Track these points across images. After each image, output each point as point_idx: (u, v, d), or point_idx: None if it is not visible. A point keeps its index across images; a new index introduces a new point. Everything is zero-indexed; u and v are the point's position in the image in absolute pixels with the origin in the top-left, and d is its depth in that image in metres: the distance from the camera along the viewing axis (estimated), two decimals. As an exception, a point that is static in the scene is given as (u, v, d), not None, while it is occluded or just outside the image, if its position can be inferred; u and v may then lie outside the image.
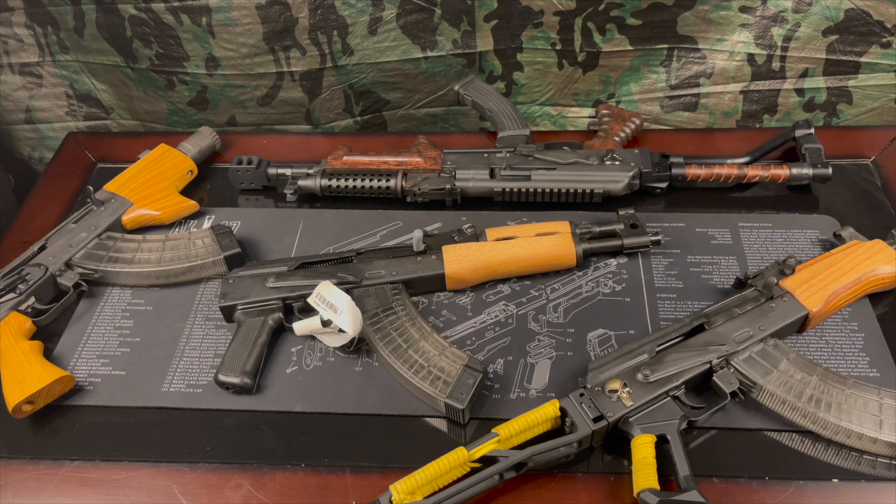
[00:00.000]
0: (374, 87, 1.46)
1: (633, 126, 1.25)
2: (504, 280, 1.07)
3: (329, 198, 1.21)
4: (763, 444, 0.87)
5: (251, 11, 1.31)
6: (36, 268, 1.06)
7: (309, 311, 1.00)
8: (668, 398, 0.86)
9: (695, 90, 1.43)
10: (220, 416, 0.94)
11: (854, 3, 1.26)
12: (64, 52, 1.46)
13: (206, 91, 1.45)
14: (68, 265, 1.08)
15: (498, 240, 1.05)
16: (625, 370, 0.87)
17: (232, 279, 1.03)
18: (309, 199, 1.22)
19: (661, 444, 0.83)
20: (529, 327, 1.01)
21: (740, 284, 1.00)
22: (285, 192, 1.19)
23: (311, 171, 1.19)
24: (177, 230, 1.18)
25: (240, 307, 1.00)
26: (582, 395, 0.85)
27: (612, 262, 1.08)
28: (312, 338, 1.01)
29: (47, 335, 1.04)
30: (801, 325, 0.94)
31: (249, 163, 1.21)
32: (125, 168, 1.21)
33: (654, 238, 1.06)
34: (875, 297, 1.00)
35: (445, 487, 0.80)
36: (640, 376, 0.86)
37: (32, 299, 1.04)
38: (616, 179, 1.14)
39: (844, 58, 1.33)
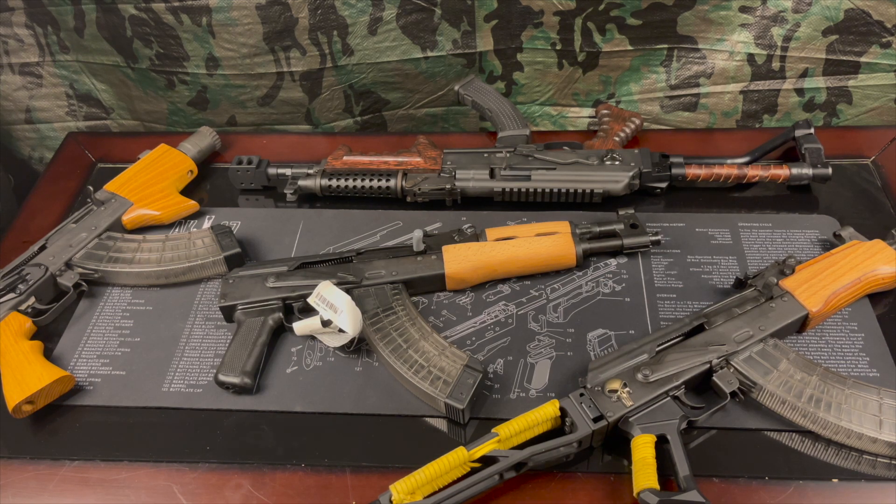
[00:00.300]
0: (374, 87, 1.46)
1: (633, 126, 1.25)
2: (504, 280, 1.07)
3: (329, 198, 1.21)
4: (763, 444, 0.87)
5: (251, 11, 1.31)
6: (36, 268, 1.06)
7: (309, 311, 1.00)
8: (668, 398, 0.86)
9: (695, 90, 1.43)
10: (220, 416, 0.94)
11: (854, 3, 1.26)
12: (64, 52, 1.46)
13: (206, 91, 1.45)
14: (68, 265, 1.08)
15: (498, 240, 1.05)
16: (625, 370, 0.87)
17: (232, 279, 1.03)
18: (309, 199, 1.22)
19: (661, 444, 0.83)
20: (529, 327, 1.01)
21: (740, 284, 1.00)
22: (285, 192, 1.19)
23: (311, 171, 1.19)
24: (177, 230, 1.18)
25: (240, 307, 1.00)
26: (582, 395, 0.85)
27: (612, 262, 1.08)
28: (312, 338, 1.01)
29: (47, 335, 1.04)
30: (801, 325, 0.94)
31: (249, 163, 1.21)
32: (125, 168, 1.21)
33: (654, 238, 1.06)
34: (875, 297, 1.00)
35: (445, 487, 0.80)
36: (640, 376, 0.86)
37: (32, 299, 1.04)
38: (616, 179, 1.14)
39: (844, 58, 1.33)
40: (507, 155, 1.17)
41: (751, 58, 1.36)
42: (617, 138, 1.23)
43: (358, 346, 0.99)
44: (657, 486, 0.78)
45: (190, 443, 0.91)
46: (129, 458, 0.90)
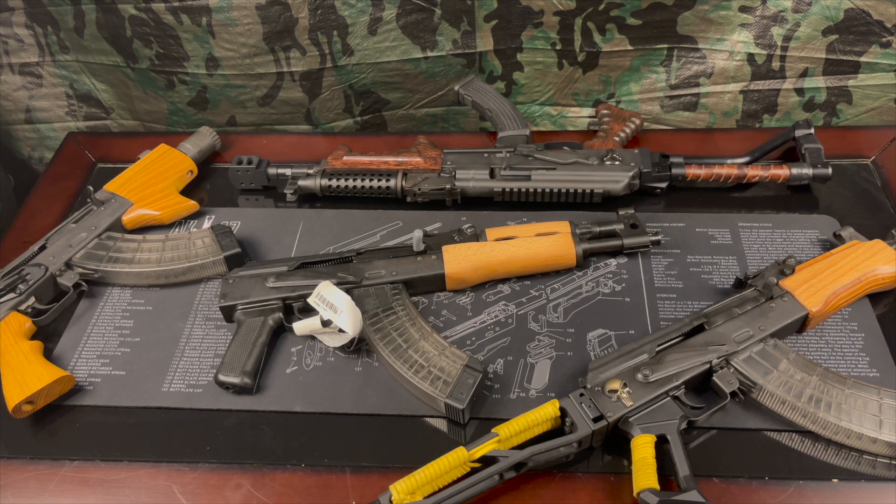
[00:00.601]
0: (374, 87, 1.46)
1: (633, 126, 1.25)
2: (504, 280, 1.07)
3: (329, 198, 1.21)
4: (763, 444, 0.87)
5: (251, 11, 1.31)
6: (36, 268, 1.06)
7: (309, 311, 1.00)
8: (668, 398, 0.86)
9: (695, 90, 1.43)
10: (220, 416, 0.94)
11: (854, 3, 1.26)
12: (64, 52, 1.46)
13: (206, 91, 1.45)
14: (68, 265, 1.08)
15: (498, 240, 1.05)
16: (625, 370, 0.87)
17: (232, 279, 1.03)
18: (309, 199, 1.22)
19: (661, 444, 0.83)
20: (529, 327, 1.01)
21: (740, 284, 1.00)
22: (285, 192, 1.19)
23: (311, 171, 1.19)
24: (177, 230, 1.18)
25: (240, 307, 1.00)
26: (582, 395, 0.85)
27: (612, 262, 1.08)
28: (312, 338, 1.01)
29: (47, 335, 1.04)
30: (801, 325, 0.94)
31: (249, 163, 1.21)
32: (125, 168, 1.21)
33: (654, 238, 1.06)
34: (875, 297, 1.00)
35: (445, 487, 0.80)
36: (640, 376, 0.86)
37: (32, 299, 1.04)
38: (616, 179, 1.14)
39: (844, 57, 1.33)
40: (507, 155, 1.17)
41: (751, 57, 1.36)
42: (617, 138, 1.23)
43: (358, 346, 0.99)
44: (657, 486, 0.78)
45: (190, 443, 0.91)
46: (129, 458, 0.90)
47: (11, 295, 1.03)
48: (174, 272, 1.08)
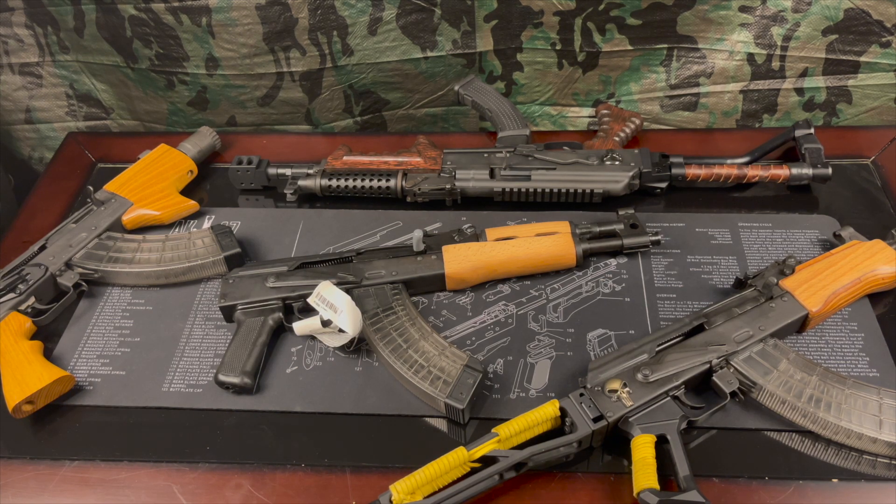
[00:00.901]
0: (374, 87, 1.46)
1: (633, 126, 1.25)
2: (504, 280, 1.07)
3: (329, 198, 1.21)
4: (763, 444, 0.87)
5: (251, 12, 1.31)
6: (36, 268, 1.06)
7: (309, 311, 1.00)
8: (668, 398, 0.86)
9: (695, 90, 1.43)
10: (220, 416, 0.94)
11: (854, 3, 1.26)
12: (64, 52, 1.46)
13: (206, 91, 1.45)
14: (68, 265, 1.08)
15: (498, 240, 1.05)
16: (625, 370, 0.87)
17: (232, 279, 1.03)
18: (309, 199, 1.22)
19: (661, 444, 0.83)
20: (529, 327, 1.01)
21: (740, 284, 1.00)
22: (285, 192, 1.19)
23: (311, 171, 1.19)
24: (177, 230, 1.18)
25: (240, 307, 1.00)
26: (582, 395, 0.85)
27: (612, 262, 1.08)
28: (312, 338, 1.01)
29: (47, 335, 1.04)
30: (801, 325, 0.94)
31: (249, 163, 1.21)
32: (125, 168, 1.21)
33: (654, 238, 1.06)
34: (875, 297, 1.00)
35: (445, 487, 0.80)
36: (639, 376, 0.86)
37: (32, 299, 1.04)
38: (616, 179, 1.14)
39: (844, 57, 1.33)
40: (507, 155, 1.17)
41: (750, 57, 1.36)
42: (617, 138, 1.23)
43: (358, 346, 0.99)
44: (657, 486, 0.78)
45: (190, 443, 0.91)
46: (129, 458, 0.90)
47: (11, 295, 1.03)
48: (174, 272, 1.08)
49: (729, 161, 1.18)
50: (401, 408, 0.93)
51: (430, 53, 1.40)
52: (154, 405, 0.95)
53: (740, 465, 0.85)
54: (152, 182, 1.19)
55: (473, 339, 1.00)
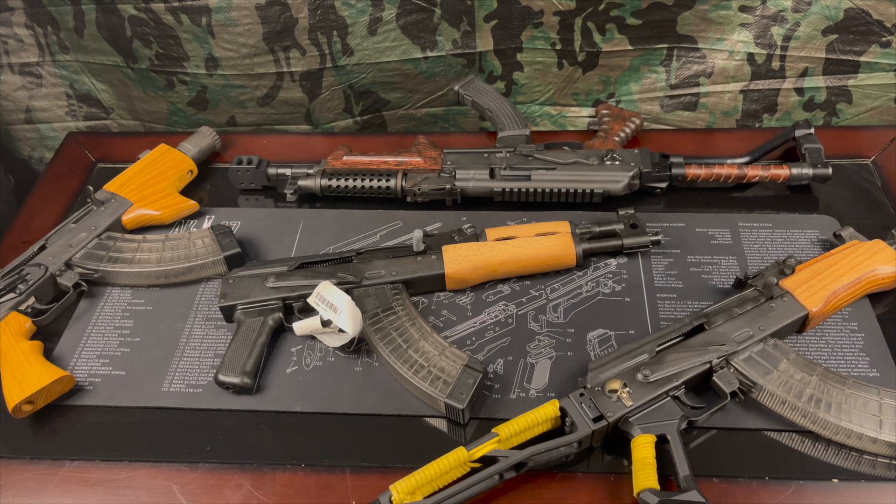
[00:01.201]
0: (374, 87, 1.46)
1: (633, 126, 1.25)
2: (504, 280, 1.07)
3: (329, 198, 1.21)
4: (763, 444, 0.87)
5: (251, 11, 1.31)
6: (36, 268, 1.06)
7: (309, 311, 1.00)
8: (668, 398, 0.86)
9: (695, 90, 1.43)
10: (220, 416, 0.94)
11: (854, 3, 1.26)
12: (64, 52, 1.46)
13: (206, 91, 1.45)
14: (68, 265, 1.08)
15: (498, 240, 1.05)
16: (625, 370, 0.87)
17: (232, 279, 1.03)
18: (309, 199, 1.22)
19: (661, 444, 0.83)
20: (529, 327, 1.01)
21: (740, 284, 1.00)
22: (285, 192, 1.19)
23: (311, 171, 1.19)
24: (177, 230, 1.18)
25: (240, 307, 1.00)
26: (582, 395, 0.85)
27: (612, 262, 1.08)
28: (312, 338, 1.01)
29: (47, 335, 1.04)
30: (801, 325, 0.94)
31: (249, 163, 1.21)
32: (125, 168, 1.21)
33: (654, 238, 1.06)
34: (875, 297, 1.00)
35: (445, 487, 0.80)
36: (640, 376, 0.86)
37: (32, 299, 1.04)
38: (616, 179, 1.14)
39: (844, 57, 1.33)
40: (507, 155, 1.17)
41: (751, 57, 1.36)
42: (617, 138, 1.23)
43: (358, 346, 0.99)
44: (657, 486, 0.78)
45: (190, 443, 0.91)
46: (129, 458, 0.90)
47: (11, 295, 1.03)
48: (174, 272, 1.08)
49: (729, 161, 1.18)
50: (401, 408, 0.93)
51: (430, 53, 1.40)
52: (154, 405, 0.95)
53: (740, 465, 0.85)
54: (152, 182, 1.19)
55: (473, 339, 1.00)
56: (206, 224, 1.19)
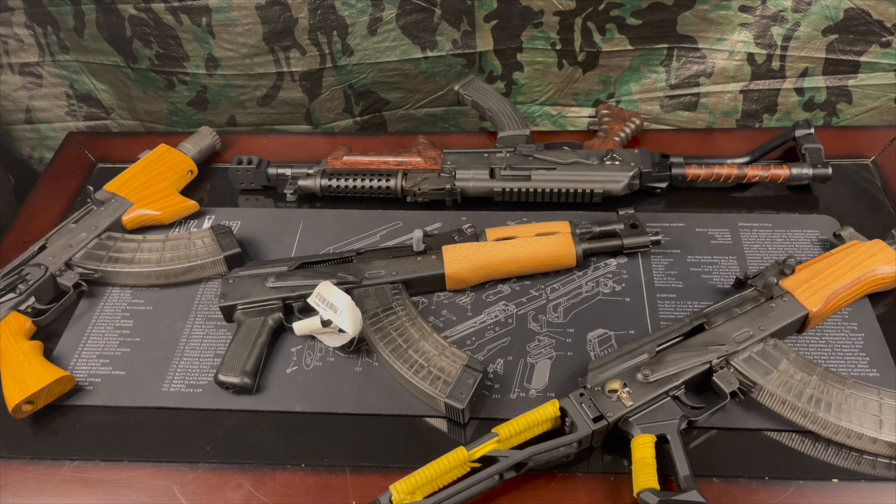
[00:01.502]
0: (374, 87, 1.46)
1: (633, 126, 1.25)
2: (504, 280, 1.07)
3: (329, 198, 1.21)
4: (763, 444, 0.87)
5: (251, 11, 1.31)
6: (36, 268, 1.06)
7: (309, 311, 1.00)
8: (668, 398, 0.86)
9: (695, 90, 1.43)
10: (220, 416, 0.94)
11: (854, 3, 1.26)
12: (64, 52, 1.46)
13: (206, 91, 1.45)
14: (68, 265, 1.08)
15: (498, 240, 1.05)
16: (625, 370, 0.87)
17: (232, 279, 1.03)
18: (309, 199, 1.22)
19: (661, 444, 0.83)
20: (529, 327, 1.01)
21: (740, 284, 1.00)
22: (285, 192, 1.19)
23: (311, 171, 1.19)
24: (177, 230, 1.18)
25: (240, 307, 1.00)
26: (582, 395, 0.85)
27: (612, 262, 1.08)
28: (312, 338, 1.01)
29: (47, 335, 1.04)
30: (801, 325, 0.94)
31: (249, 163, 1.21)
32: (125, 168, 1.21)
33: (654, 238, 1.06)
34: (875, 297, 1.00)
35: (445, 487, 0.80)
36: (640, 376, 0.86)
37: (32, 299, 1.04)
38: (616, 179, 1.14)
39: (844, 57, 1.33)
40: (507, 155, 1.17)
41: (751, 57, 1.36)
42: (617, 138, 1.23)
43: (358, 346, 0.99)
44: (657, 486, 0.78)
45: (190, 443, 0.91)
46: (129, 458, 0.90)
47: (11, 295, 1.03)
48: (174, 272, 1.08)
49: (729, 161, 1.18)
50: (401, 408, 0.93)
51: (430, 53, 1.40)
52: (154, 405, 0.95)
53: (740, 465, 0.85)
54: (152, 182, 1.19)
55: (473, 339, 1.00)
56: (206, 224, 1.19)
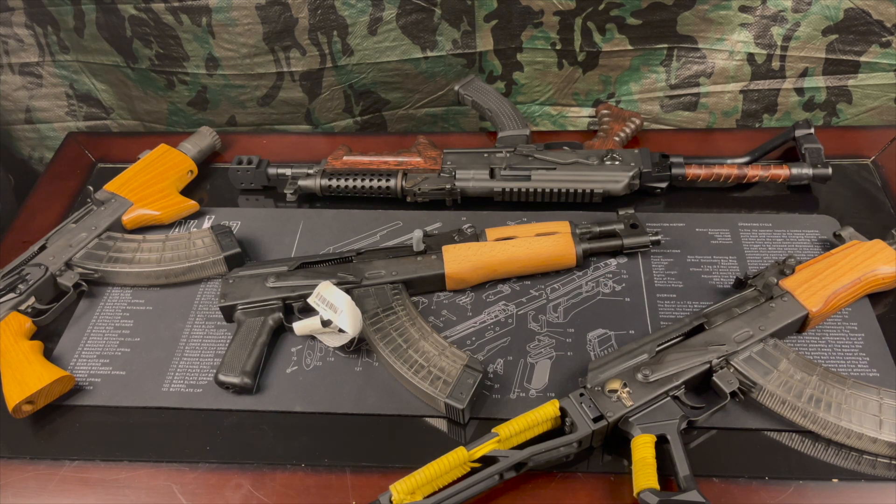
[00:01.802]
0: (374, 87, 1.46)
1: (633, 126, 1.25)
2: (504, 280, 1.07)
3: (329, 198, 1.21)
4: (763, 444, 0.87)
5: (251, 11, 1.31)
6: (36, 268, 1.06)
7: (309, 311, 1.00)
8: (668, 398, 0.86)
9: (695, 90, 1.43)
10: (220, 416, 0.94)
11: (854, 3, 1.26)
12: (64, 52, 1.46)
13: (206, 91, 1.45)
14: (68, 265, 1.08)
15: (498, 240, 1.05)
16: (625, 370, 0.87)
17: (232, 279, 1.03)
18: (309, 199, 1.22)
19: (661, 444, 0.83)
20: (529, 327, 1.01)
21: (740, 284, 1.00)
22: (285, 192, 1.19)
23: (311, 171, 1.19)
24: (177, 230, 1.18)
25: (240, 307, 1.00)
26: (582, 395, 0.85)
27: (612, 262, 1.08)
28: (312, 338, 1.01)
29: (47, 335, 1.04)
30: (801, 325, 0.94)
31: (249, 163, 1.21)
32: (125, 168, 1.21)
33: (654, 238, 1.06)
34: (875, 297, 1.00)
35: (445, 487, 0.80)
36: (640, 376, 0.86)
37: (32, 299, 1.04)
38: (616, 179, 1.14)
39: (844, 57, 1.33)
40: (507, 155, 1.17)
41: (751, 57, 1.36)
42: (617, 138, 1.23)
43: (358, 346, 0.99)
44: (657, 486, 0.78)
45: (190, 443, 0.91)
46: (129, 458, 0.90)
47: (11, 295, 1.03)
48: (174, 272, 1.08)
49: (729, 161, 1.18)
50: (401, 408, 0.93)
51: (430, 53, 1.40)
52: (154, 405, 0.95)
53: (740, 465, 0.85)
54: (152, 182, 1.19)
55: (473, 339, 1.00)
56: (206, 224, 1.19)
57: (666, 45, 1.38)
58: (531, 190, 1.15)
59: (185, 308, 1.06)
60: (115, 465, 0.89)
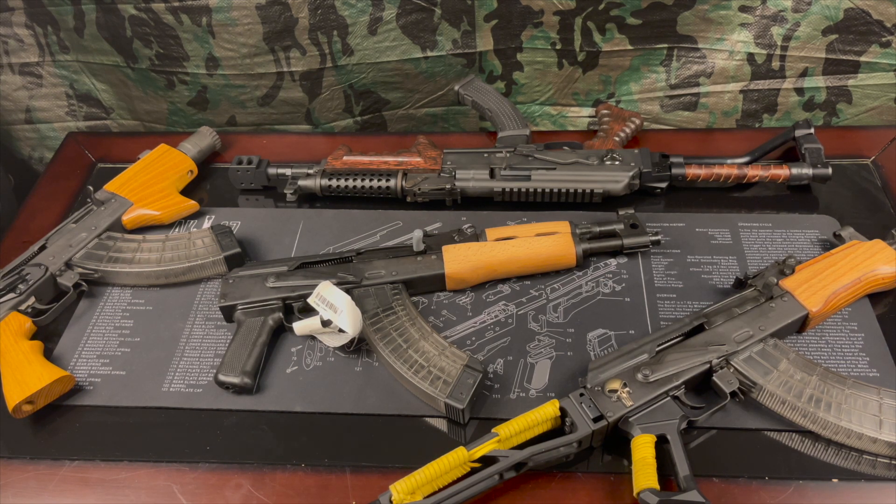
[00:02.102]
0: (374, 87, 1.46)
1: (633, 126, 1.25)
2: (504, 280, 1.07)
3: (329, 198, 1.21)
4: (763, 444, 0.87)
5: (251, 11, 1.31)
6: (36, 268, 1.06)
7: (309, 311, 1.00)
8: (668, 398, 0.86)
9: (695, 89, 1.43)
10: (220, 416, 0.94)
11: (854, 3, 1.26)
12: (64, 52, 1.46)
13: (206, 91, 1.45)
14: (68, 265, 1.08)
15: (498, 240, 1.05)
16: (625, 370, 0.87)
17: (232, 279, 1.03)
18: (309, 199, 1.22)
19: (661, 444, 0.83)
20: (529, 327, 1.01)
21: (740, 284, 1.00)
22: (285, 192, 1.19)
23: (311, 171, 1.19)
24: (177, 230, 1.18)
25: (240, 307, 1.00)
26: (582, 394, 0.85)
27: (612, 262, 1.08)
28: (312, 338, 1.01)
29: (47, 335, 1.04)
30: (801, 325, 0.94)
31: (249, 163, 1.21)
32: (125, 168, 1.21)
33: (654, 238, 1.06)
34: (875, 297, 1.00)
35: (445, 487, 0.80)
36: (640, 376, 0.86)
37: (32, 299, 1.04)
38: (616, 179, 1.14)
39: (844, 57, 1.33)
40: (507, 155, 1.17)
41: (751, 57, 1.36)
42: (617, 138, 1.23)
43: (358, 346, 0.99)
44: (657, 486, 0.78)
45: (190, 443, 0.91)
46: (129, 458, 0.90)
47: (11, 295, 1.03)
48: (174, 272, 1.08)
49: (729, 161, 1.18)
50: (401, 408, 0.93)
51: (430, 53, 1.40)
52: (154, 405, 0.95)
53: (740, 465, 0.85)
54: (152, 182, 1.19)
55: (473, 339, 1.00)
56: (206, 224, 1.19)
57: (666, 45, 1.38)
58: (531, 190, 1.15)
59: (185, 308, 1.06)
60: (115, 465, 0.89)
